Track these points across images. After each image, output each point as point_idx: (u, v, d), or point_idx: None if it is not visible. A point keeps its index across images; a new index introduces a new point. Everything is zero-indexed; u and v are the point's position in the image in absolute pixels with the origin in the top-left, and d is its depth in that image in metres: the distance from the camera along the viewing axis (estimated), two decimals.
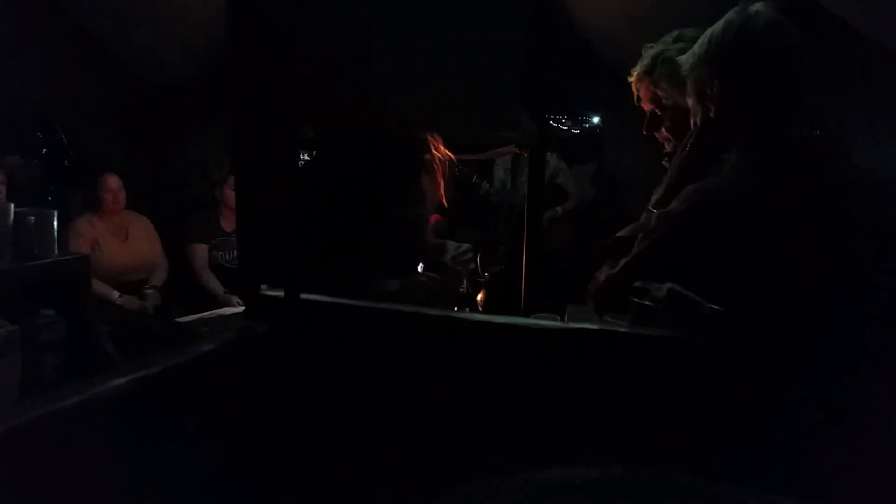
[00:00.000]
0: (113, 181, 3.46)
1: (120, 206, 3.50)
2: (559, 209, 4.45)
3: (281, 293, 0.96)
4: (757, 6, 1.12)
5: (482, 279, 3.06)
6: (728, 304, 0.98)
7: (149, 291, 3.44)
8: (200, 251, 3.75)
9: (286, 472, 0.97)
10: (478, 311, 2.98)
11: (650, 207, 1.38)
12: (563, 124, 4.83)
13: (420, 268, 1.67)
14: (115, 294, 3.33)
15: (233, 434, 0.92)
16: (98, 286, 3.19)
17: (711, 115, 1.19)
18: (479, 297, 2.99)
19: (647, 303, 1.00)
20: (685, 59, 1.24)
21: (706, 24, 1.22)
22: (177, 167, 4.59)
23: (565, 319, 1.70)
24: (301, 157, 1.80)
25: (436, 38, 1.00)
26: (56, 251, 2.11)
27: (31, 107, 3.57)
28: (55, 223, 2.10)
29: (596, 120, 4.94)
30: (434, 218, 3.45)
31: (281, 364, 0.95)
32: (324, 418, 0.96)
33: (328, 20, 1.02)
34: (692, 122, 1.27)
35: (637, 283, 1.03)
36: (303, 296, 0.95)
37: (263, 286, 0.99)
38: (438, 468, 0.94)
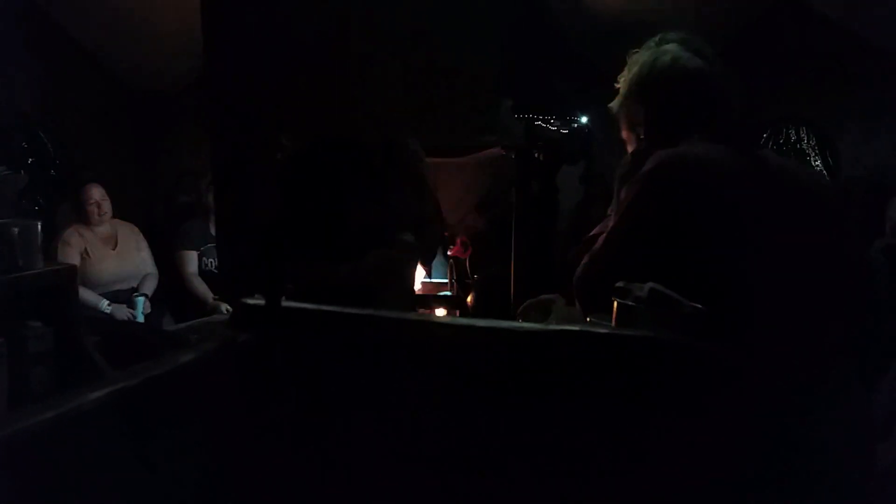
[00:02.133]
0: (96, 191, 3.40)
1: (106, 216, 3.45)
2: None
3: (263, 301, 0.95)
4: (665, 46, 1.34)
5: (470, 281, 3.07)
6: (700, 272, 1.07)
7: (139, 299, 3.41)
8: (190, 258, 3.75)
9: (272, 479, 0.97)
10: (467, 312, 2.99)
11: (609, 213, 1.45)
12: (551, 125, 4.83)
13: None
14: (105, 303, 3.31)
15: (216, 444, 0.91)
16: (87, 295, 3.17)
17: (642, 136, 1.38)
18: (469, 298, 3.01)
19: (629, 303, 1.01)
20: (615, 102, 1.43)
21: (689, 25, 1.28)
22: (170, 175, 4.57)
23: (552, 318, 1.70)
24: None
25: (418, 42, 1.00)
26: (41, 262, 2.10)
27: (17, 116, 3.55)
28: (39, 234, 2.09)
29: (584, 120, 4.93)
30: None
31: (263, 372, 0.95)
32: (308, 425, 0.96)
33: (307, 26, 1.01)
34: (628, 148, 1.45)
35: (619, 284, 1.03)
36: (285, 303, 0.95)
37: (256, 295, 0.99)
38: (424, 472, 0.94)
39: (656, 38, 1.56)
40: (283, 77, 0.99)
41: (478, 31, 1.03)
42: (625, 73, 1.61)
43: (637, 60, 1.37)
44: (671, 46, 1.33)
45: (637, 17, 3.25)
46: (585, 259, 1.31)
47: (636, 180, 1.23)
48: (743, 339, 0.99)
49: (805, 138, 3.92)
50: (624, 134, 1.45)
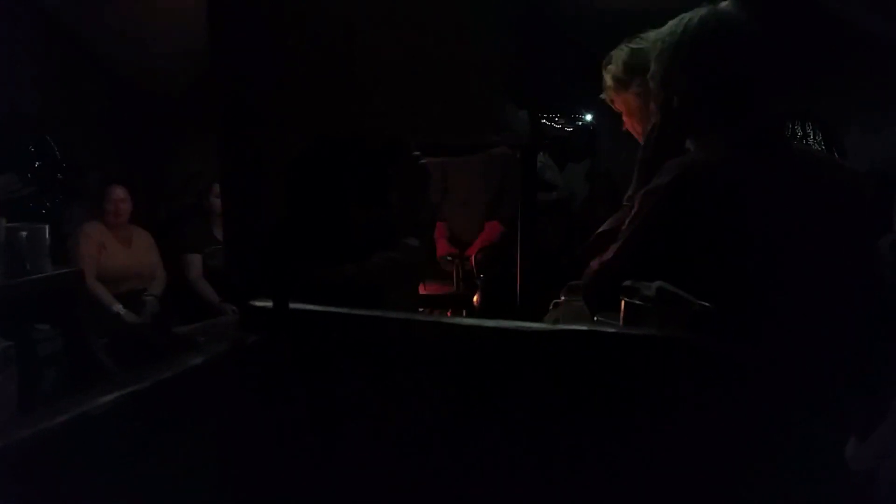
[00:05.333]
0: (118, 192, 3.54)
1: (124, 216, 3.57)
2: (554, 193, 4.44)
3: (270, 303, 0.95)
4: (721, 6, 1.19)
5: (477, 281, 3.07)
6: (716, 282, 1.02)
7: (148, 298, 3.49)
8: (195, 261, 3.76)
9: (280, 480, 0.97)
10: (474, 311, 2.98)
11: (625, 203, 1.40)
12: (556, 123, 4.83)
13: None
14: (118, 306, 3.34)
15: (225, 445, 0.92)
16: (101, 293, 3.24)
17: (675, 105, 1.23)
18: (475, 298, 3.00)
19: (637, 302, 1.00)
20: (652, 59, 1.29)
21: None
22: (176, 177, 4.58)
23: (561, 317, 1.70)
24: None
25: (423, 40, 1.00)
26: (49, 266, 2.11)
27: (24, 120, 3.56)
28: (47, 238, 2.10)
29: (589, 118, 4.93)
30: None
31: (271, 373, 0.95)
32: (317, 426, 0.96)
33: (313, 27, 1.01)
34: (652, 120, 1.32)
35: (627, 283, 1.03)
36: (292, 305, 0.95)
37: (260, 298, 0.99)
38: (432, 472, 0.94)
39: (650, 34, 1.54)
40: (289, 77, 0.99)
41: (483, 29, 1.03)
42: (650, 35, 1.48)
43: (672, 24, 1.23)
44: (725, 6, 1.18)
45: (644, 14, 3.23)
46: (596, 266, 1.27)
47: (650, 192, 1.17)
48: (756, 341, 0.98)
49: (811, 133, 3.89)
50: (627, 122, 1.36)
